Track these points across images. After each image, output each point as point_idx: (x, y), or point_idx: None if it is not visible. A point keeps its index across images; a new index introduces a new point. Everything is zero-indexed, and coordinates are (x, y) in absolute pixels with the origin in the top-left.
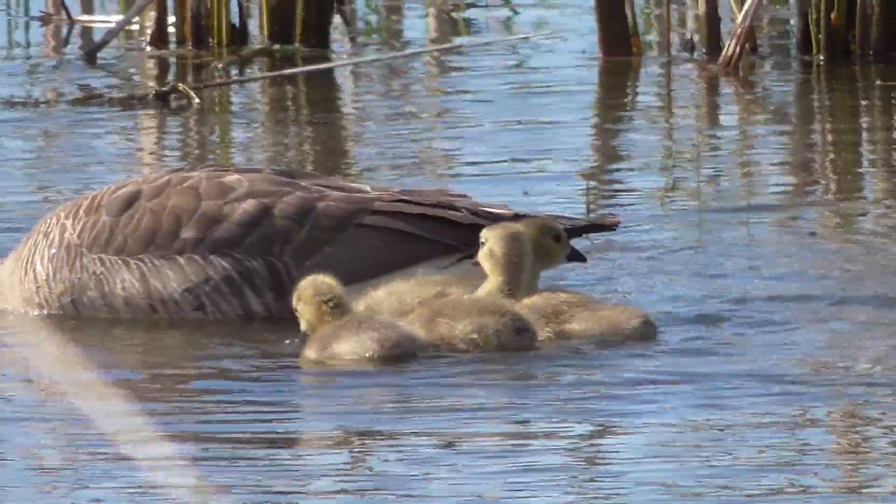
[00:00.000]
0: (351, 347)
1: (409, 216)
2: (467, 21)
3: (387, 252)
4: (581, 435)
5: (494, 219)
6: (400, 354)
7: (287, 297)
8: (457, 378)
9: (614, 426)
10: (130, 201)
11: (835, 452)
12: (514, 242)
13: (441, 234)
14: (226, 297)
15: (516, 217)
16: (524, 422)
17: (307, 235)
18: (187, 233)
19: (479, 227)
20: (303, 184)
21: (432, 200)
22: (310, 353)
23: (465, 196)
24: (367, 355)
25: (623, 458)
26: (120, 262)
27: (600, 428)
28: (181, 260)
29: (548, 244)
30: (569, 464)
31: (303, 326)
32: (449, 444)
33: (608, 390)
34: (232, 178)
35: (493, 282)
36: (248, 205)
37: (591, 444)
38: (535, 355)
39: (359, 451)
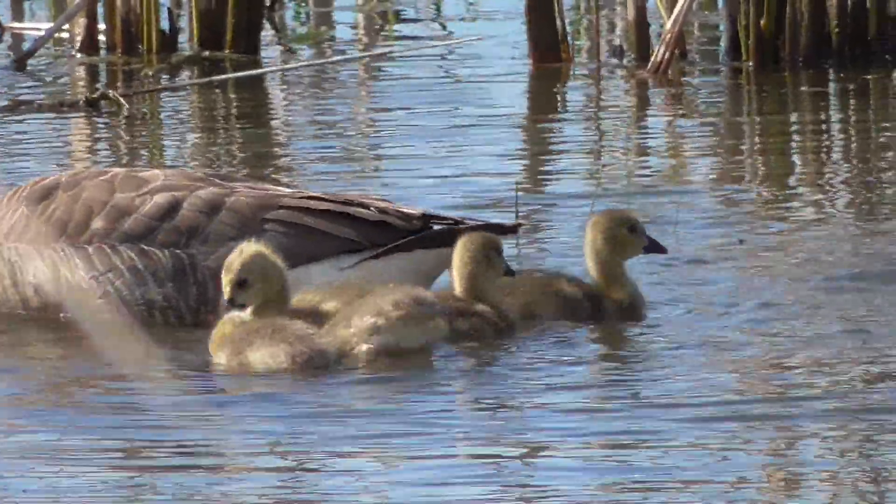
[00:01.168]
0: (262, 357)
1: (316, 212)
2: (397, 31)
3: (292, 247)
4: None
5: (404, 218)
6: (313, 368)
7: (189, 289)
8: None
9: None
10: (49, 192)
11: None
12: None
13: (347, 232)
14: (129, 286)
15: (423, 218)
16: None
17: (214, 229)
18: (98, 223)
19: (388, 226)
20: (221, 181)
21: (342, 199)
22: (220, 357)
23: (383, 199)
24: (281, 367)
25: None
26: (33, 250)
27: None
28: (90, 249)
29: (622, 235)
30: (493, 473)
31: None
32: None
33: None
34: (149, 173)
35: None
36: (160, 197)
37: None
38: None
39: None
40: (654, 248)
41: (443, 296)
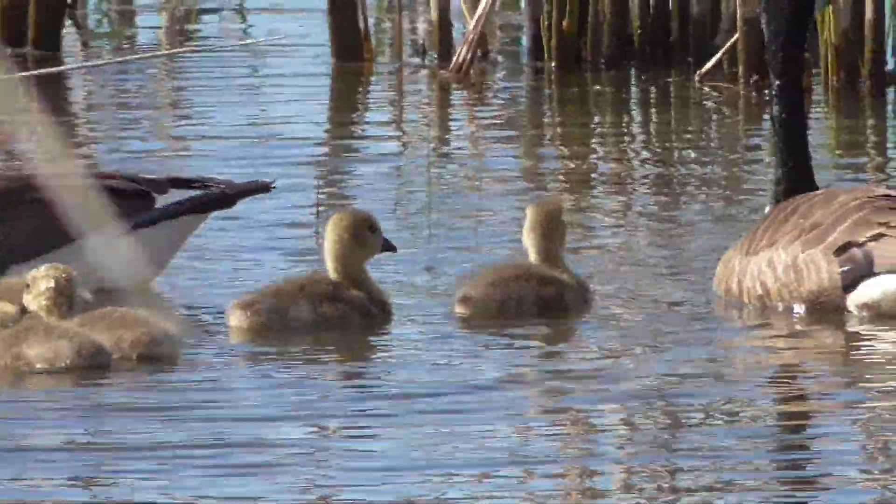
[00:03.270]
0: (44, 353)
1: (73, 188)
2: (199, 31)
3: (57, 225)
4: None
5: (152, 184)
6: (98, 364)
7: None
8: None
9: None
10: None
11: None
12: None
13: (107, 204)
14: None
15: (174, 182)
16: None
17: None
18: None
19: (142, 194)
20: None
21: (94, 172)
22: None
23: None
24: (63, 364)
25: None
26: None
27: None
28: None
29: (365, 235)
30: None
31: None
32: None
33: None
34: None
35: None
36: None
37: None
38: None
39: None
40: (388, 246)
41: (317, 279)
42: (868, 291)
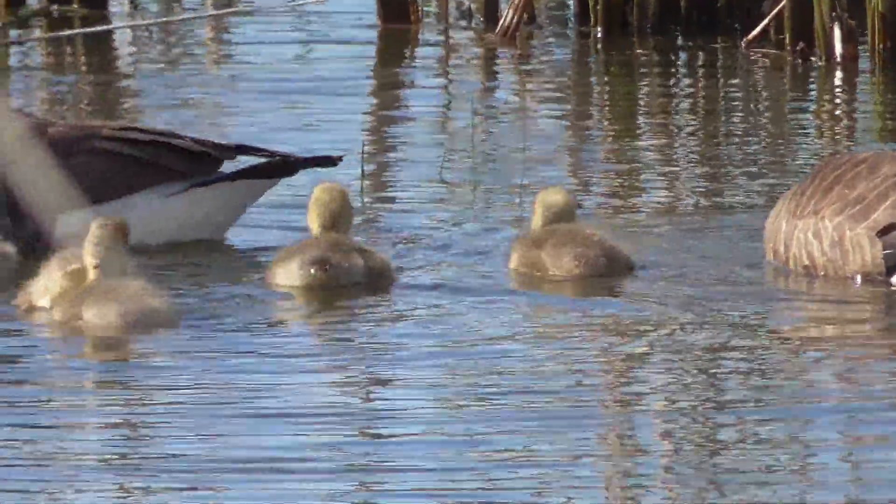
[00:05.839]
0: (97, 314)
1: (137, 142)
2: None
3: (116, 176)
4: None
5: (220, 149)
6: (145, 327)
7: (25, 221)
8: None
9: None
10: None
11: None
12: None
13: (167, 161)
14: None
15: (241, 149)
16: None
17: (34, 159)
18: None
19: (206, 156)
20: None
21: (160, 130)
22: (56, 314)
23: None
24: (113, 324)
25: None
26: None
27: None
28: None
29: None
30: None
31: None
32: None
33: None
34: None
35: None
36: None
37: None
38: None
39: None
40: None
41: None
42: None
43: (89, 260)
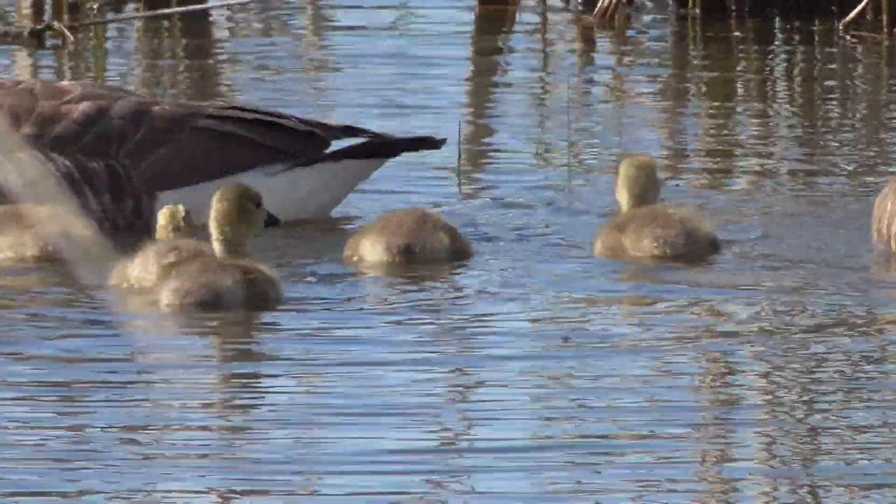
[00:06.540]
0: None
1: (242, 121)
2: None
3: (220, 154)
4: None
5: (326, 129)
6: (198, 304)
7: (124, 199)
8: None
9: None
10: None
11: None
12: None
13: (273, 140)
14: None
15: (345, 129)
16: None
17: (142, 136)
18: (26, 130)
19: (312, 136)
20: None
21: (265, 110)
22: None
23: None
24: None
25: None
26: None
27: None
28: (22, 156)
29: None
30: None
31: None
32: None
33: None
34: (64, 83)
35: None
36: (85, 105)
37: None
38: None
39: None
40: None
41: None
42: None
43: (215, 234)
